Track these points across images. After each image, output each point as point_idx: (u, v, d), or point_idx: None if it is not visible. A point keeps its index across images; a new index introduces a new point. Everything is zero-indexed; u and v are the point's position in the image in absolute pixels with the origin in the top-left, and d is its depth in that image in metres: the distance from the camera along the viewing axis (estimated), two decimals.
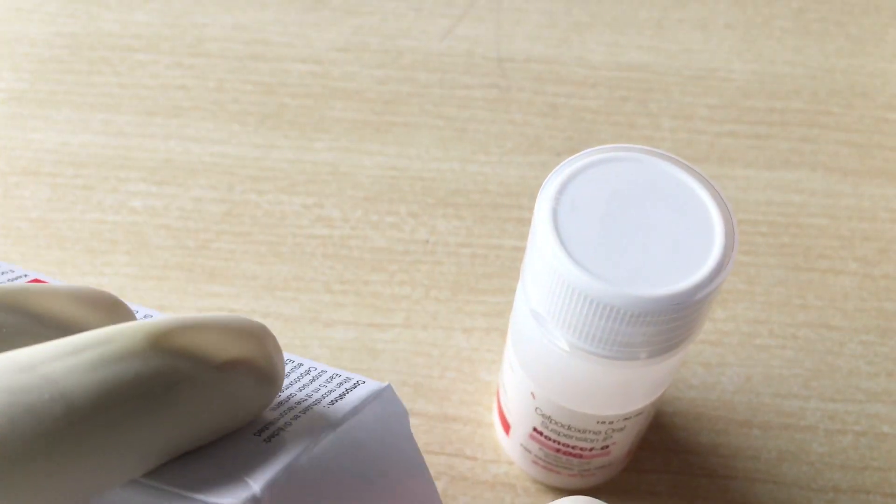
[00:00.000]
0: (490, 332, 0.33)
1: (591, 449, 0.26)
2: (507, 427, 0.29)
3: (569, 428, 0.25)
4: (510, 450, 0.29)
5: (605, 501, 0.30)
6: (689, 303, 0.20)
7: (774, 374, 0.33)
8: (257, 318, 0.33)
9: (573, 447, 0.26)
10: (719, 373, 0.33)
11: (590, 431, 0.25)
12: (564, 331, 0.21)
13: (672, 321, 0.20)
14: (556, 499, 0.29)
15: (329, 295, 0.34)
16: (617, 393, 0.23)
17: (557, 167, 0.22)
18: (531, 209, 0.37)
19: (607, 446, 0.26)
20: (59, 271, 0.34)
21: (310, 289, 0.34)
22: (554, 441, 0.26)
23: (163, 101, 0.40)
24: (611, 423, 0.25)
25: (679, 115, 0.40)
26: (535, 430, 0.27)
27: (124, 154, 0.38)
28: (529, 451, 0.28)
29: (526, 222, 0.37)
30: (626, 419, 0.25)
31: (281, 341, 0.33)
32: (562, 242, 0.20)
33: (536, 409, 0.25)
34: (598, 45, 0.43)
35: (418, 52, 0.42)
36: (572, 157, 0.22)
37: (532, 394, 0.25)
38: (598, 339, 0.21)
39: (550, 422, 0.25)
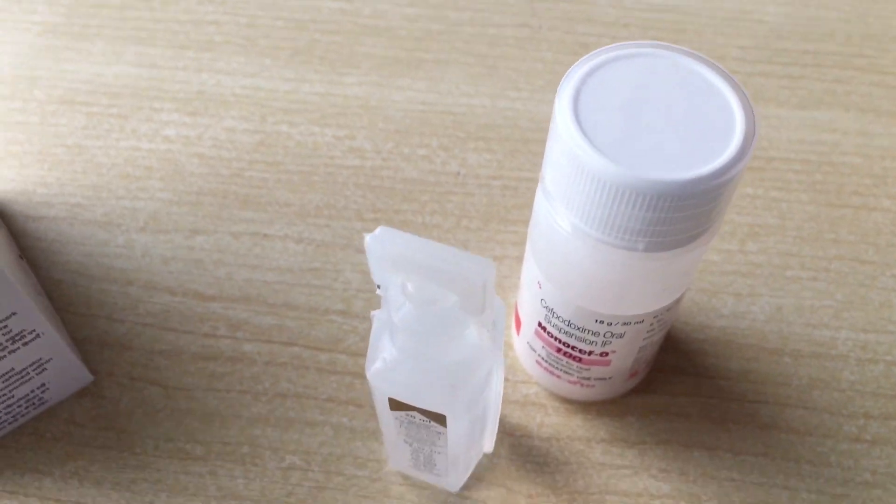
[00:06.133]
0: (520, 260, 0.33)
1: (589, 353, 0.26)
2: (518, 325, 0.29)
3: (569, 324, 0.25)
4: (519, 349, 0.30)
5: (635, 422, 0.30)
6: (688, 192, 0.20)
7: (806, 305, 0.33)
8: (290, 244, 0.34)
9: (573, 347, 0.26)
10: (750, 302, 0.33)
11: (588, 331, 0.25)
12: (568, 210, 0.22)
13: (672, 210, 0.20)
14: (586, 420, 0.30)
15: (361, 223, 0.34)
16: (613, 288, 0.23)
17: (584, 57, 0.22)
18: None
19: (606, 353, 0.26)
20: (95, 195, 0.35)
21: (342, 216, 0.34)
22: (555, 339, 0.27)
23: (195, 36, 0.40)
24: (609, 324, 0.25)
25: (711, 56, 0.40)
26: (539, 325, 0.27)
27: (157, 85, 0.38)
28: (534, 350, 0.28)
29: None
30: (625, 324, 0.25)
31: (313, 265, 0.33)
32: (577, 120, 0.21)
33: (542, 300, 0.26)
34: None
35: None
36: (597, 50, 0.22)
37: (539, 283, 0.25)
38: (598, 221, 0.21)
39: (553, 315, 0.26)
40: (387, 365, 0.21)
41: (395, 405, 0.22)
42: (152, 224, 0.34)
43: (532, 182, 0.36)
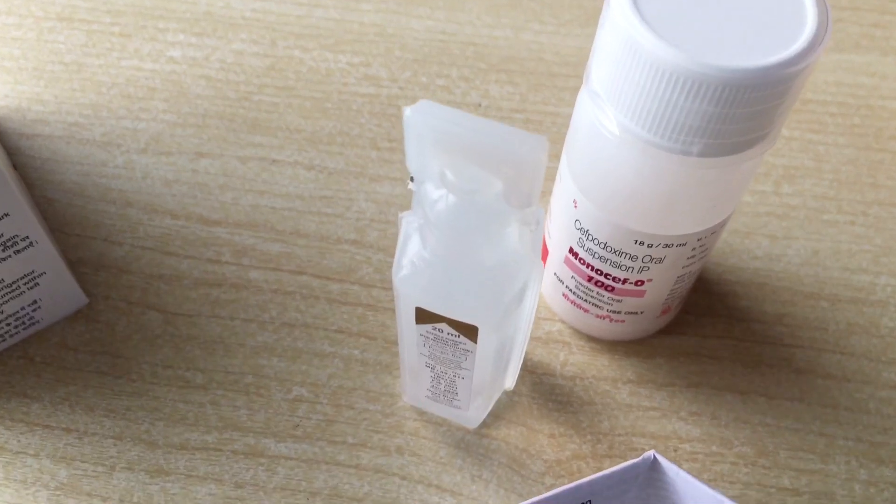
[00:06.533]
0: (545, 195, 0.32)
1: (624, 281, 0.25)
2: (544, 256, 0.27)
3: (605, 247, 0.24)
4: (543, 282, 0.28)
5: (664, 364, 0.28)
6: (757, 82, 0.18)
7: (843, 249, 0.31)
8: (301, 170, 0.32)
9: (606, 275, 0.25)
10: (785, 245, 0.31)
11: (626, 255, 0.24)
12: (617, 109, 0.20)
13: (736, 103, 0.18)
14: (612, 359, 0.28)
15: (376, 151, 0.32)
16: (660, 202, 0.22)
17: None
18: None
19: (642, 282, 0.25)
20: (94, 114, 0.32)
21: (356, 144, 0.32)
22: (588, 265, 0.25)
23: None
24: (650, 246, 0.23)
25: None
26: (570, 251, 0.25)
27: (162, 5, 0.36)
28: (561, 282, 0.27)
29: None
30: (666, 246, 0.23)
31: (325, 193, 0.31)
32: (635, 5, 0.19)
33: (576, 221, 0.24)
34: None
35: None
36: None
37: (574, 202, 0.23)
38: (651, 118, 0.19)
39: (588, 238, 0.24)
40: (416, 269, 0.19)
41: (423, 317, 0.20)
42: (154, 145, 0.32)
43: (557, 117, 0.34)
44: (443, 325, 0.20)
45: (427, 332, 0.21)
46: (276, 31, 0.35)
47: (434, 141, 0.16)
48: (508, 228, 0.18)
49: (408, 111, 0.16)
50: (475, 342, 0.20)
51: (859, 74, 0.36)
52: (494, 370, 0.23)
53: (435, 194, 0.18)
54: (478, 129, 0.16)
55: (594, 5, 0.37)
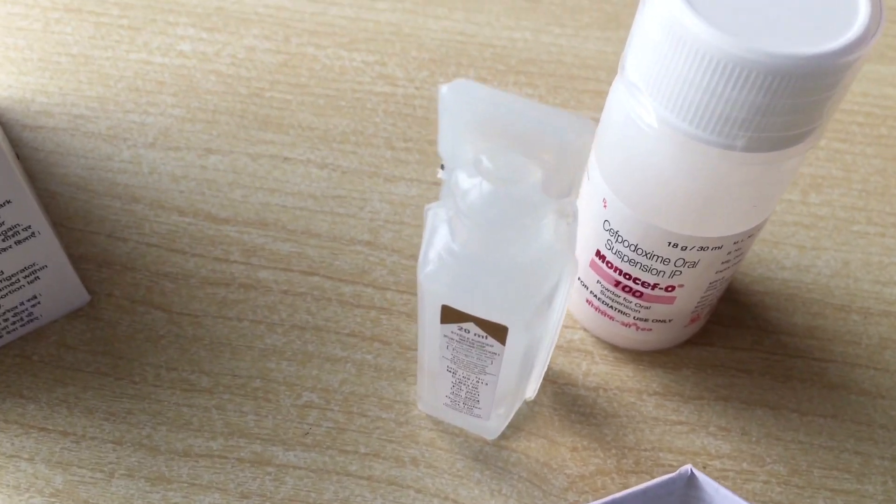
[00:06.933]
0: None
1: (654, 286, 0.23)
2: None
3: (636, 249, 0.23)
4: None
5: (691, 375, 0.27)
6: (809, 70, 0.17)
7: (874, 262, 0.30)
8: (313, 169, 0.31)
9: (635, 279, 0.23)
10: (814, 256, 0.30)
11: (658, 258, 0.22)
12: (656, 101, 0.19)
13: (785, 93, 0.17)
14: (637, 370, 0.27)
15: (391, 151, 0.31)
16: (698, 201, 0.20)
17: None
18: (609, 82, 0.34)
19: (673, 287, 0.23)
20: (101, 107, 0.31)
21: (370, 143, 0.31)
22: (616, 269, 0.24)
23: None
24: (683, 248, 0.22)
25: None
26: (597, 253, 0.24)
27: None
28: (586, 287, 0.25)
29: (604, 95, 0.34)
30: (701, 249, 0.22)
31: (338, 193, 0.30)
32: None
33: (605, 222, 0.23)
34: None
35: None
36: None
37: (604, 201, 0.22)
38: (693, 109, 0.18)
39: (617, 240, 0.23)
40: (444, 264, 0.18)
41: (449, 316, 0.19)
42: (162, 140, 0.31)
43: None
44: (470, 325, 0.19)
45: (452, 332, 0.20)
46: (289, 28, 0.35)
47: (470, 123, 0.15)
48: (544, 221, 0.17)
49: (444, 89, 0.15)
50: (503, 344, 0.19)
51: (885, 85, 0.35)
52: (520, 375, 0.21)
53: (467, 183, 0.17)
54: (519, 110, 0.15)
55: (614, 9, 0.37)
